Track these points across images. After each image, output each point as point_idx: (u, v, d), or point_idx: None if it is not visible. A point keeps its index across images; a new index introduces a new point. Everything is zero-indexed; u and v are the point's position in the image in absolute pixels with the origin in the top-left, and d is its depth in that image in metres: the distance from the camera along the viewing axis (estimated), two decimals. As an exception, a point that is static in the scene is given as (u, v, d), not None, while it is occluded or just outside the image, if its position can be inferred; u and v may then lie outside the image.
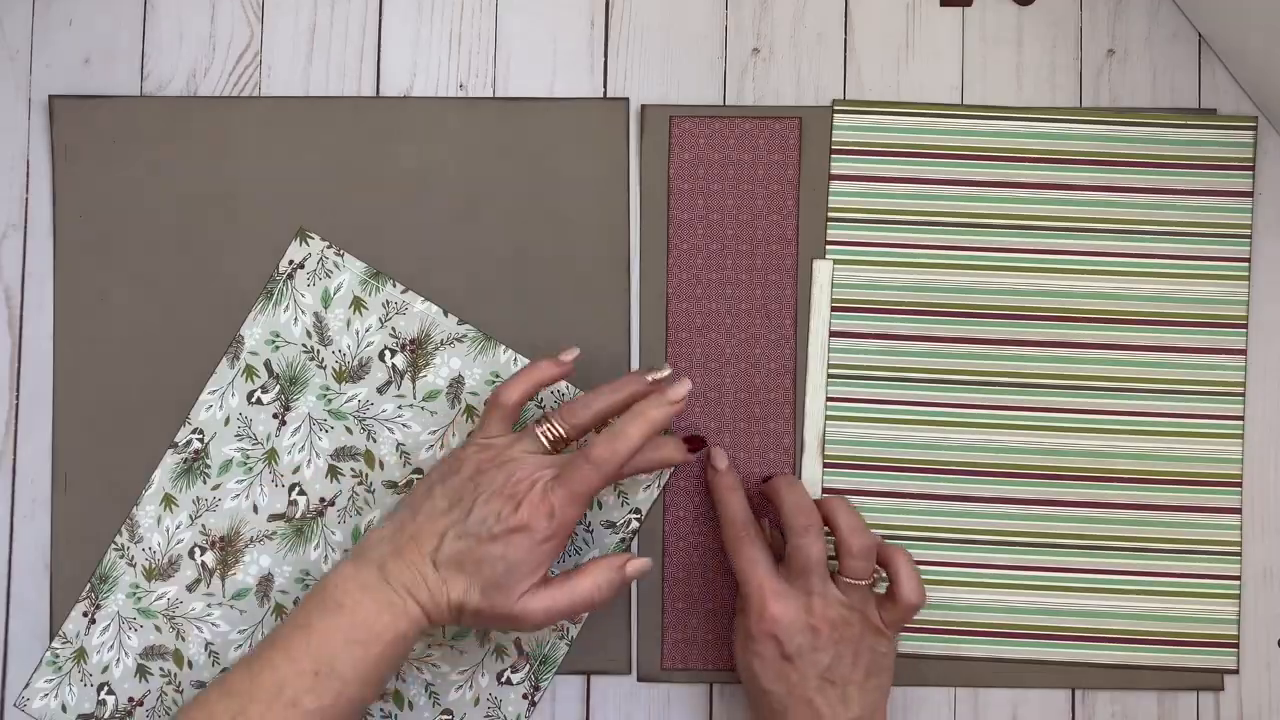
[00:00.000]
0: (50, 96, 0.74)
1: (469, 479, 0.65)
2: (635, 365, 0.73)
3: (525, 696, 0.72)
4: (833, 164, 0.73)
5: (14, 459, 0.73)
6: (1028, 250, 0.73)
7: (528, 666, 0.72)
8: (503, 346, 0.73)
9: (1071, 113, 0.73)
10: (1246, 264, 0.73)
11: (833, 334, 0.73)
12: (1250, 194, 0.73)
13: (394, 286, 0.73)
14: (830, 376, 0.73)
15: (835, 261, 0.73)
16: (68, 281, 0.73)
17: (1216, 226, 0.73)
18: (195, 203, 0.73)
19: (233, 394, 0.73)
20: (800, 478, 0.73)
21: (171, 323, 0.73)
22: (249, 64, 0.74)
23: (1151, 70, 0.74)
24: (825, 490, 0.73)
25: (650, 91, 0.74)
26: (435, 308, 0.73)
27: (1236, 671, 0.72)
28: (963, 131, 0.73)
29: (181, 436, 0.72)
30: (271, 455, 0.73)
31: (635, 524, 0.72)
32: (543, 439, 0.66)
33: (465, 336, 0.73)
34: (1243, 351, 0.73)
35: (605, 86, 0.74)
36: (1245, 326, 0.73)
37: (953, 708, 0.72)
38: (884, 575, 0.68)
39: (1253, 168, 0.73)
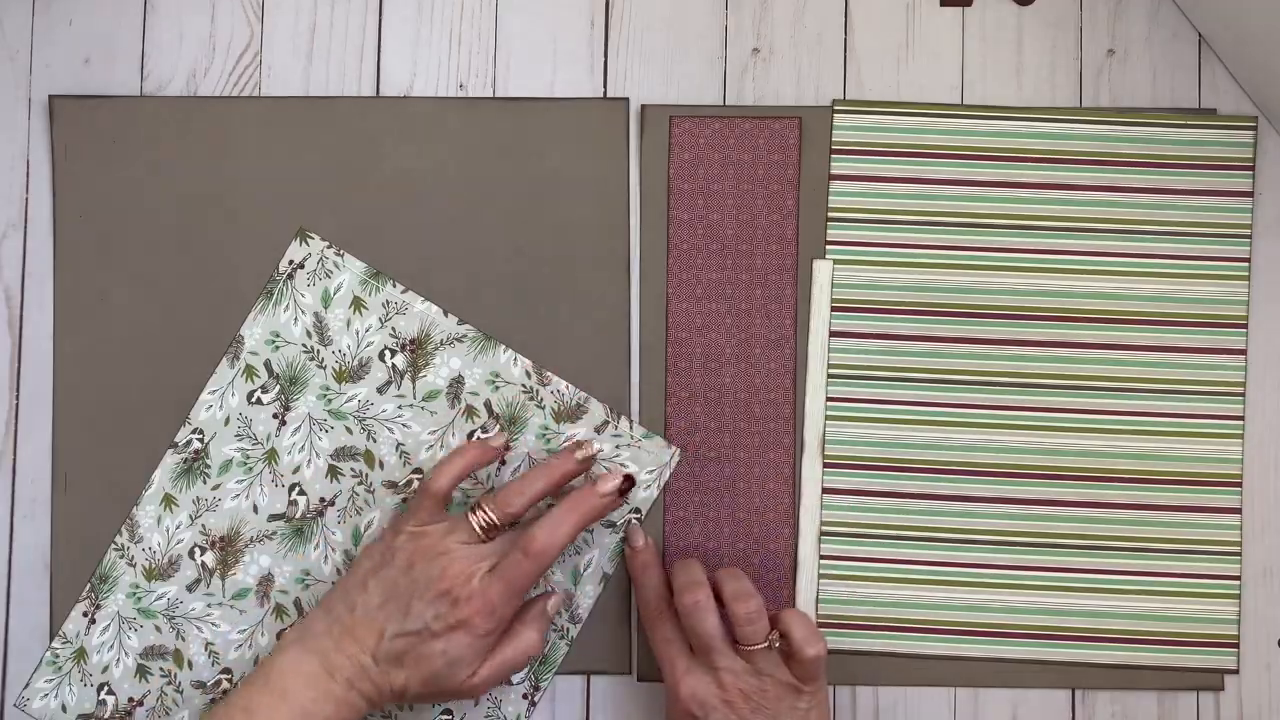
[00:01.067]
0: (50, 96, 0.74)
1: (403, 572, 0.65)
2: (636, 367, 0.73)
3: (525, 696, 0.72)
4: (833, 164, 0.73)
5: (14, 459, 0.73)
6: (1028, 250, 0.73)
7: (527, 667, 0.72)
8: (502, 346, 0.73)
9: (1071, 113, 0.73)
10: (1247, 264, 0.73)
11: (833, 334, 0.73)
12: (1250, 194, 0.73)
13: (394, 286, 0.73)
14: (830, 376, 0.73)
15: (835, 261, 0.73)
16: (68, 281, 0.73)
17: (1217, 226, 0.73)
18: (195, 203, 0.73)
19: (233, 394, 0.73)
20: (800, 478, 0.73)
21: (171, 323, 0.73)
22: (249, 64, 0.74)
23: (1151, 70, 0.74)
24: (825, 490, 0.73)
25: (650, 91, 0.74)
26: (435, 308, 0.73)
27: (1236, 671, 0.72)
28: (963, 131, 0.73)
29: (181, 436, 0.72)
30: (271, 455, 0.73)
31: (635, 523, 0.72)
32: (476, 528, 0.66)
33: (465, 336, 0.73)
34: (1243, 351, 0.73)
35: (605, 86, 0.74)
36: (1245, 326, 0.73)
37: (953, 708, 0.72)
38: (777, 637, 0.66)
39: (1253, 168, 0.73)
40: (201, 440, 0.73)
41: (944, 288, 0.73)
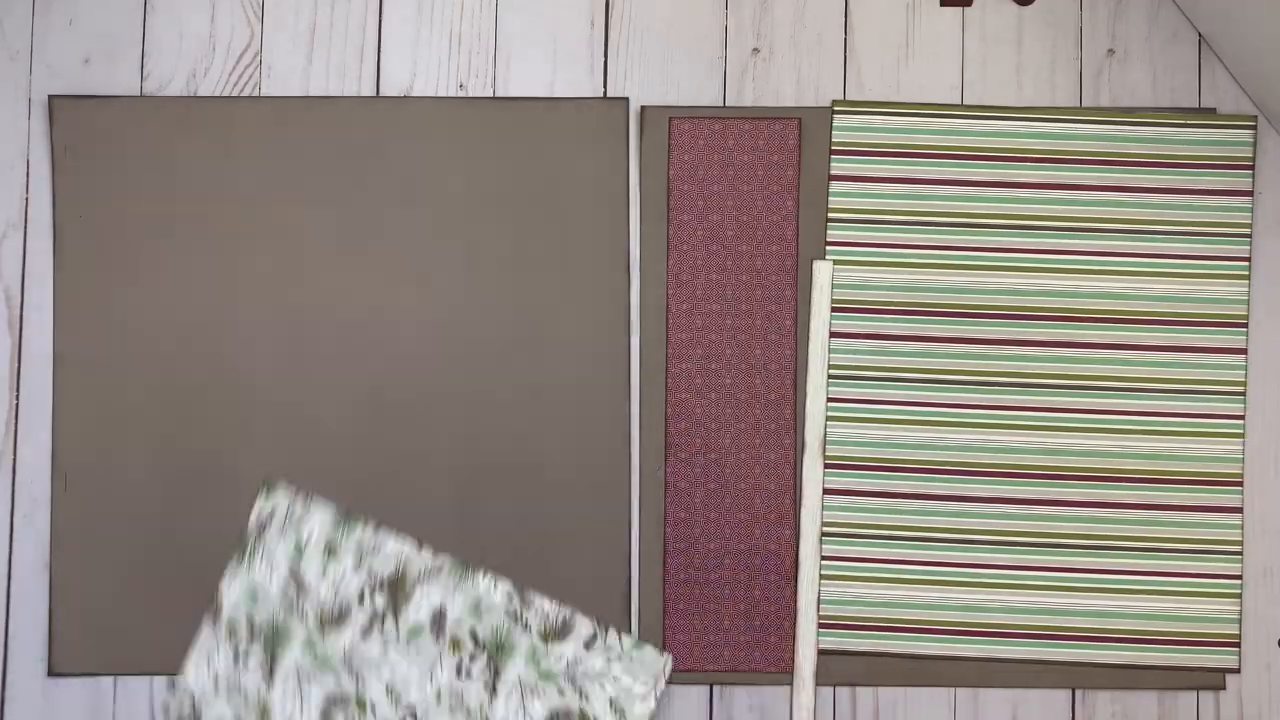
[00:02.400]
0: (50, 96, 0.74)
1: None
2: (635, 365, 0.73)
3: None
4: (832, 165, 0.73)
5: (14, 459, 0.73)
6: (1030, 250, 0.73)
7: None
8: (481, 573, 0.72)
9: (1072, 112, 0.73)
10: (1247, 263, 0.73)
11: (833, 334, 0.73)
12: (1250, 193, 0.73)
13: (364, 528, 0.73)
14: (828, 377, 0.73)
15: (835, 262, 0.73)
16: (68, 281, 0.73)
17: (1217, 226, 0.73)
18: (195, 202, 0.73)
19: (219, 655, 0.72)
20: (801, 478, 0.73)
21: (171, 322, 0.73)
22: (249, 64, 0.74)
23: (1151, 70, 0.74)
24: (825, 490, 0.72)
25: (650, 91, 0.74)
26: (408, 545, 0.72)
27: (1238, 670, 0.72)
28: (962, 132, 0.73)
29: (173, 702, 0.72)
30: (263, 712, 0.72)
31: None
32: None
33: (441, 568, 0.73)
34: (1244, 351, 0.73)
35: (605, 86, 0.74)
36: (1246, 325, 0.73)
37: (952, 708, 0.72)
38: None
39: (1253, 167, 0.73)
40: (193, 704, 0.72)
41: (946, 288, 0.73)
